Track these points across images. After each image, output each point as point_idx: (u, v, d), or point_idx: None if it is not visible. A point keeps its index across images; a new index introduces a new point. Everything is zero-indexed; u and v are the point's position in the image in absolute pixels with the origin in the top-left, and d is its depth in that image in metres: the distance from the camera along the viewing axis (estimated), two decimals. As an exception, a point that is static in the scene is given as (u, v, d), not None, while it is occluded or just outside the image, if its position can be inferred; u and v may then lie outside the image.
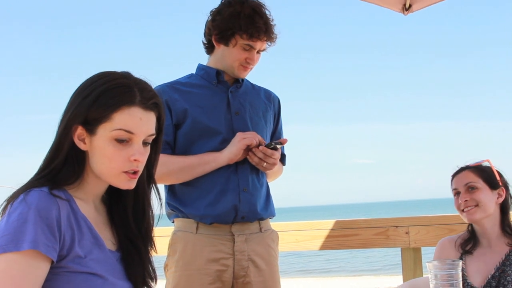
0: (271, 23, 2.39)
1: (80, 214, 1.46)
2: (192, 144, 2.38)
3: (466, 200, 2.31)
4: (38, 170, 1.49)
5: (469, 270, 2.27)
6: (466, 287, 2.23)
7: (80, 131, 1.47)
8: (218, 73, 2.46)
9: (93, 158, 1.48)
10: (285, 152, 2.63)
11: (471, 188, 2.32)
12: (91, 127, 1.46)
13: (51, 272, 1.38)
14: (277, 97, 2.61)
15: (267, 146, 2.34)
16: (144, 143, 1.50)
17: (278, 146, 2.38)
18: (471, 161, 2.41)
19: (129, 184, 1.51)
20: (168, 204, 2.43)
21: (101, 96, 1.45)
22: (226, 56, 2.42)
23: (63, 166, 1.47)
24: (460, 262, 1.76)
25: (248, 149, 2.36)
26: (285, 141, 2.42)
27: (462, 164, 2.41)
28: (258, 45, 2.38)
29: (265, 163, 2.35)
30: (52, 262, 1.37)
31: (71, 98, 1.50)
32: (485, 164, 2.39)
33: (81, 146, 1.48)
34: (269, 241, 2.44)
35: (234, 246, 2.34)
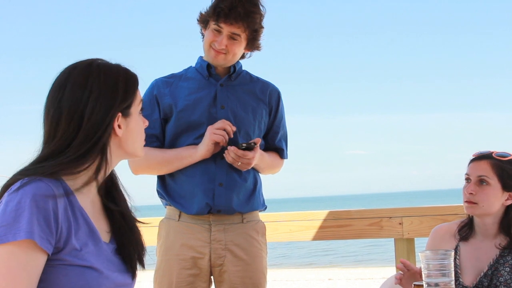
0: (244, 9, 2.34)
1: (77, 206, 1.47)
2: (178, 137, 2.46)
3: (471, 193, 2.20)
4: (46, 156, 1.46)
5: (462, 265, 2.24)
6: (457, 286, 2.18)
7: (118, 118, 1.52)
8: (209, 66, 2.48)
9: (129, 139, 1.57)
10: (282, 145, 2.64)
11: (482, 182, 2.20)
12: (127, 111, 1.55)
13: (48, 265, 1.38)
14: (276, 90, 2.59)
15: (238, 146, 2.34)
16: None
17: (255, 146, 2.36)
18: (497, 150, 2.25)
19: None
20: (157, 191, 2.52)
21: (129, 80, 1.56)
22: (204, 41, 2.46)
23: (91, 155, 1.48)
24: (453, 252, 1.76)
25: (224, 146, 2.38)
26: (259, 140, 2.40)
27: (486, 150, 2.27)
28: (225, 28, 2.37)
29: (239, 163, 2.35)
30: (48, 255, 1.37)
31: (86, 90, 1.49)
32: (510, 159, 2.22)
33: (119, 133, 1.53)
34: (252, 232, 2.47)
35: (211, 235, 2.39)
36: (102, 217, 1.57)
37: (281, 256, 17.41)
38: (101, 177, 1.54)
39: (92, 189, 1.55)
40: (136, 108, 1.58)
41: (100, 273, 1.45)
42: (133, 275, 1.58)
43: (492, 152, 2.25)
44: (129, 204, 1.66)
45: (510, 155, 2.24)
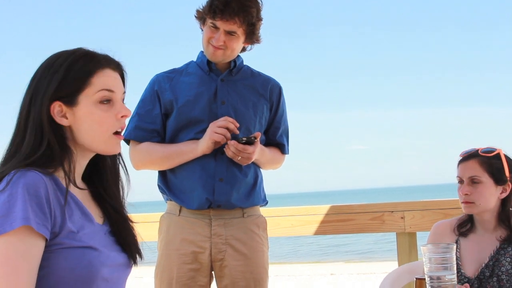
0: (239, 4, 2.34)
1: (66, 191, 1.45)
2: (178, 132, 2.46)
3: (466, 194, 2.23)
4: (17, 158, 1.44)
5: (463, 258, 2.26)
6: (459, 277, 2.20)
7: (58, 107, 1.47)
8: (210, 61, 2.48)
9: (80, 130, 1.49)
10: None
11: (474, 181, 2.24)
12: (71, 99, 1.46)
13: (47, 251, 1.38)
14: (277, 85, 2.59)
15: (239, 141, 2.33)
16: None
17: (255, 140, 2.35)
18: (482, 147, 2.28)
19: (118, 147, 1.55)
20: (158, 186, 2.53)
21: (72, 67, 1.47)
22: (202, 37, 2.46)
23: (48, 150, 1.44)
24: (454, 246, 1.76)
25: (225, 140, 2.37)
26: (259, 134, 2.40)
27: (471, 148, 2.30)
28: (221, 25, 2.36)
29: (239, 157, 2.35)
30: (46, 240, 1.37)
31: (33, 82, 1.49)
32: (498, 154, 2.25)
33: (64, 122, 1.47)
34: (252, 227, 2.47)
35: (211, 230, 2.39)
36: (92, 203, 1.56)
37: (285, 252, 17.42)
38: (76, 166, 1.50)
39: (76, 176, 1.52)
40: (89, 97, 1.47)
41: (100, 252, 1.44)
42: (129, 256, 1.56)
43: (478, 150, 2.28)
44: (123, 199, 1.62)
45: (495, 149, 2.27)
